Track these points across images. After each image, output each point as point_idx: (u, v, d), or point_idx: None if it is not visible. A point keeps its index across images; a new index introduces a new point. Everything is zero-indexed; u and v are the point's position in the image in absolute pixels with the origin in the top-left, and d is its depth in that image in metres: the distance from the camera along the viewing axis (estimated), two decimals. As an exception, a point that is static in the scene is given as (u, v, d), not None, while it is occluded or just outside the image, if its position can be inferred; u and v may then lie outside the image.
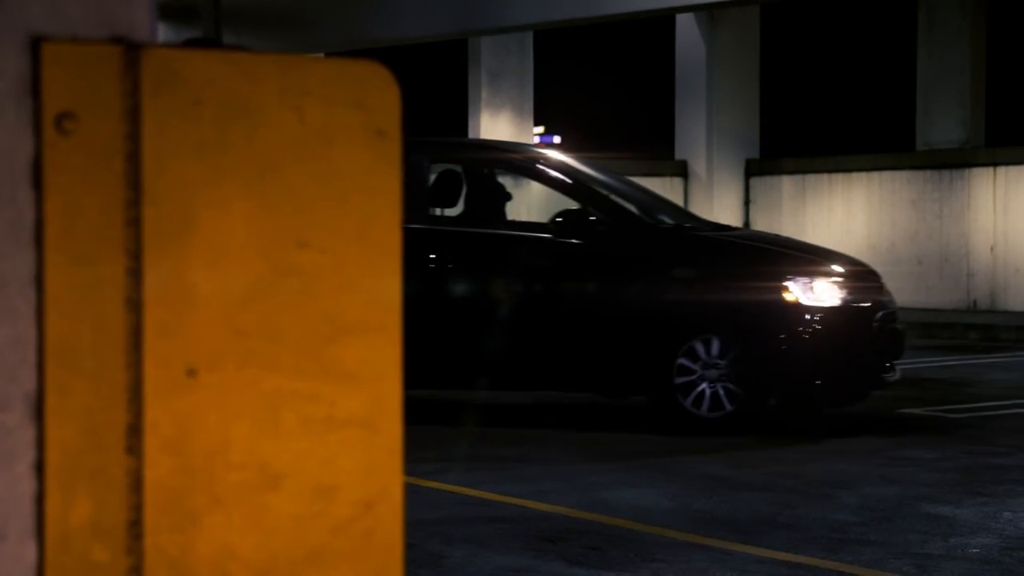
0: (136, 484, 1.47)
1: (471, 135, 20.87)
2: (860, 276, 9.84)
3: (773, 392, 9.51)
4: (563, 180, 10.07)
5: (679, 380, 9.35)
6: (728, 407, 9.34)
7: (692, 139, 21.27)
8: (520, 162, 10.46)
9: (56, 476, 1.44)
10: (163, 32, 15.81)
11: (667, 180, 21.21)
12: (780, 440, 9.12)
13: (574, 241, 9.58)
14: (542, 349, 9.48)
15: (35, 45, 1.39)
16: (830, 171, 20.53)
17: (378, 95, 1.65)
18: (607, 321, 9.39)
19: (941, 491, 7.41)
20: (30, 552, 1.40)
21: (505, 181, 11.06)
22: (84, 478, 1.46)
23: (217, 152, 1.53)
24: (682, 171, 21.28)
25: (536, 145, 11.23)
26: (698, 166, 21.17)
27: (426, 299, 9.48)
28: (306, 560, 1.61)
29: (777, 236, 11.44)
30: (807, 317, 9.31)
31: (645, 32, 24.46)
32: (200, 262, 1.52)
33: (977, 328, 17.09)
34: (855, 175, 20.27)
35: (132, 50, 1.46)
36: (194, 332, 1.50)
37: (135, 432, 1.48)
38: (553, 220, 9.80)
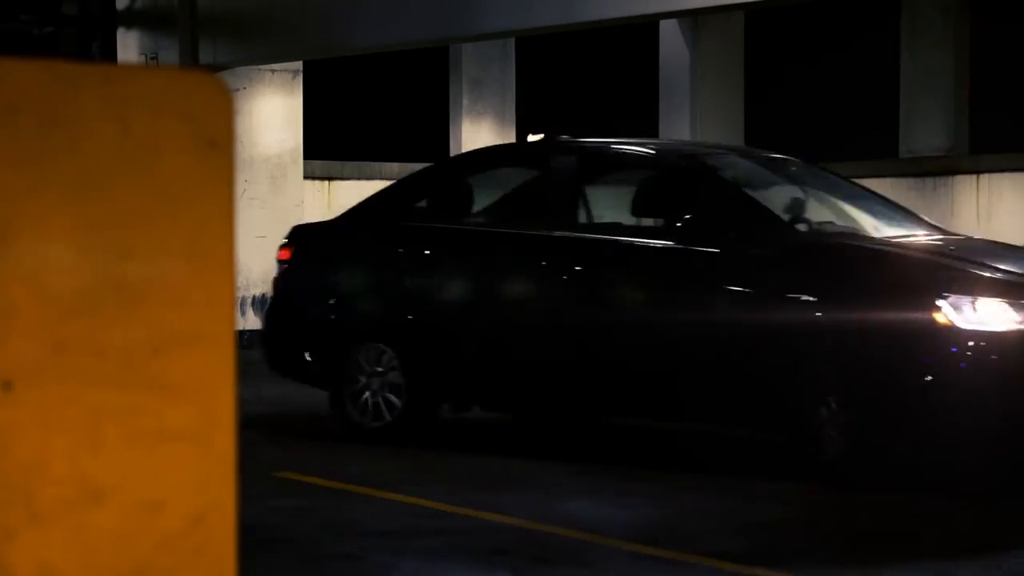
0: (-54, 500, 1.45)
1: (452, 143, 20.81)
2: None
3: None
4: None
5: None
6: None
7: (675, 146, 21.22)
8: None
9: None
10: (139, 39, 15.76)
11: (650, 188, 21.14)
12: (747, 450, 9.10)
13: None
14: None
15: None
16: (813, 178, 20.49)
17: (210, 106, 1.62)
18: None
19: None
20: None
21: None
22: None
23: (36, 162, 1.51)
24: (666, 178, 21.20)
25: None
26: (681, 173, 21.11)
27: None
28: (133, 576, 1.59)
29: None
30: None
31: (629, 39, 24.48)
32: (18, 274, 1.50)
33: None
34: (838, 182, 20.24)
35: (-60, 59, 1.44)
36: (11, 345, 1.48)
37: (-55, 447, 1.45)
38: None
